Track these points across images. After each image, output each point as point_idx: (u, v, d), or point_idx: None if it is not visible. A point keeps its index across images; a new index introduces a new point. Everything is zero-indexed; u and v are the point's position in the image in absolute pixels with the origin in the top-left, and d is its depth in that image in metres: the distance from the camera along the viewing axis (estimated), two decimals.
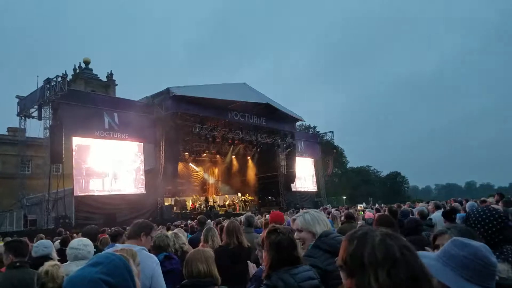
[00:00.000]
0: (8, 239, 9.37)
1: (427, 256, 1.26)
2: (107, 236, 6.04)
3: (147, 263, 2.75)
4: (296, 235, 2.33)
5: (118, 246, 2.86)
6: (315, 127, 60.10)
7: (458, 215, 4.65)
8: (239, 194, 29.71)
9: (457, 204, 7.49)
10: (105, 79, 49.28)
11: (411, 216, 7.34)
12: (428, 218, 6.10)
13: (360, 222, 5.78)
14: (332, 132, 37.09)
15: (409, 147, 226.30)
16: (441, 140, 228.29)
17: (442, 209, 6.03)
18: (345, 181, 62.24)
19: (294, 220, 2.47)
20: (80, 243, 3.17)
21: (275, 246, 2.09)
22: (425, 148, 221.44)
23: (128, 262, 1.15)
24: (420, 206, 7.74)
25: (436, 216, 5.84)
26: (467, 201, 10.28)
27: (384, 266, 0.99)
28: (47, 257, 3.53)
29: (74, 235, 9.17)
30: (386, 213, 6.36)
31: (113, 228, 10.54)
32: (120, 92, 56.36)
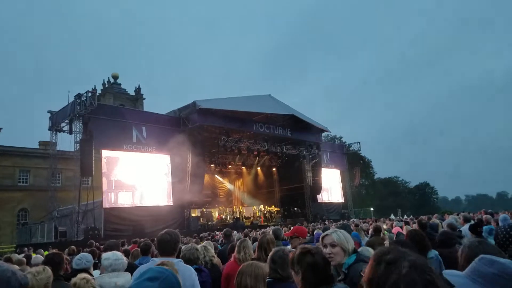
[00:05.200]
0: (41, 251, 9.80)
1: (456, 275, 1.32)
2: (138, 248, 6.22)
3: (186, 274, 2.89)
4: (328, 249, 2.40)
5: (155, 260, 3.00)
6: (341, 137, 59.50)
7: (485, 227, 4.56)
8: (265, 206, 29.69)
9: (488, 216, 7.26)
10: (133, 93, 50.95)
11: (441, 228, 7.18)
12: (458, 230, 5.98)
13: (386, 242, 5.70)
14: (359, 142, 36.66)
15: (440, 157, 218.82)
16: (473, 150, 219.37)
17: (472, 222, 5.89)
18: (372, 192, 60.94)
19: (326, 235, 2.52)
20: (114, 256, 3.34)
21: (311, 267, 2.07)
22: (456, 158, 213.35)
23: (178, 278, 1.27)
24: (451, 218, 7.55)
25: (466, 228, 5.75)
26: (497, 213, 9.89)
27: None
28: (87, 271, 3.68)
29: (102, 247, 9.42)
30: (416, 227, 6.26)
31: (141, 240, 10.85)
32: (149, 105, 57.91)
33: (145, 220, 20.09)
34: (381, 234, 6.59)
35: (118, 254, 3.43)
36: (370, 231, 7.52)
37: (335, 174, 34.55)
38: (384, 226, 8.35)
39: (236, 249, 4.42)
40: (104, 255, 3.43)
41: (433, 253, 3.64)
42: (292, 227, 6.16)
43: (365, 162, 52.64)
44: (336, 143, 49.47)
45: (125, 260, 3.51)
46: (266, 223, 26.38)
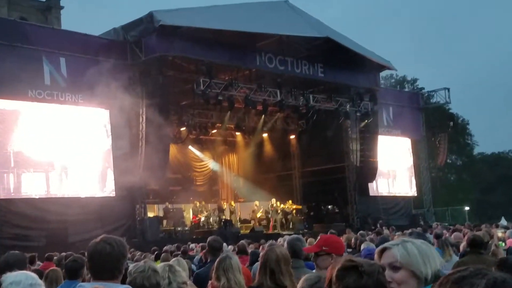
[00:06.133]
0: None
1: None
2: (57, 268, 6.34)
3: None
4: (387, 274, 2.41)
5: (85, 286, 3.08)
6: (415, 80, 59.14)
7: None
8: (276, 202, 29.98)
9: None
10: None
11: None
12: None
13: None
14: (448, 89, 36.32)
15: None
16: None
17: None
18: (469, 178, 61.17)
19: (384, 249, 2.52)
20: (29, 280, 3.43)
21: None
22: None
23: None
24: None
25: None
26: None
27: None
28: None
29: None
30: None
31: (63, 254, 11.03)
32: (71, 21, 57.21)
33: (69, 222, 20.50)
34: (493, 247, 6.70)
35: (33, 275, 3.54)
36: (462, 246, 7.65)
37: (403, 145, 34.72)
38: (499, 234, 8.43)
39: (214, 274, 4.61)
40: (8, 277, 3.53)
41: None
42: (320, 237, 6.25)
43: (457, 125, 52.37)
44: (406, 90, 49.14)
45: (43, 286, 3.64)
46: (277, 231, 26.74)
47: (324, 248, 4.55)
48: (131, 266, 4.13)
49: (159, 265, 4.59)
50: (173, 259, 6.39)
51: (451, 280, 1.25)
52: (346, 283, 2.12)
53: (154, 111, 22.17)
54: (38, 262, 10.43)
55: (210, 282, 4.69)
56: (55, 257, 11.34)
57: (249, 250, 9.62)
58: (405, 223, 30.05)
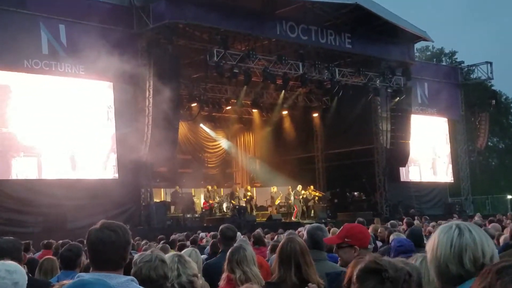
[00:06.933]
0: None
1: None
2: (52, 257, 6.36)
3: None
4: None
5: (85, 277, 3.08)
6: (453, 53, 58.33)
7: None
8: (300, 188, 29.98)
9: None
10: None
11: None
12: None
13: None
14: (490, 63, 35.90)
15: None
16: None
17: None
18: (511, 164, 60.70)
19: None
20: (2, 267, 3.43)
21: None
22: None
23: None
24: None
25: None
26: None
27: None
28: None
29: None
30: None
31: (60, 241, 11.09)
32: None
33: (67, 207, 20.58)
34: None
35: (11, 263, 3.53)
36: (504, 239, 7.62)
37: (439, 126, 34.59)
38: None
39: (226, 265, 4.62)
40: None
41: None
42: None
43: (500, 104, 51.72)
44: (444, 64, 48.61)
45: (20, 276, 3.62)
46: (297, 219, 26.80)
47: (346, 239, 4.48)
48: (136, 255, 4.13)
49: (167, 255, 4.58)
50: (187, 249, 6.36)
51: (493, 270, 1.35)
52: (366, 287, 2.06)
53: (162, 84, 22.11)
54: (33, 251, 10.49)
55: (225, 274, 4.68)
56: (55, 245, 11.38)
57: (266, 240, 9.60)
58: (440, 213, 29.95)
